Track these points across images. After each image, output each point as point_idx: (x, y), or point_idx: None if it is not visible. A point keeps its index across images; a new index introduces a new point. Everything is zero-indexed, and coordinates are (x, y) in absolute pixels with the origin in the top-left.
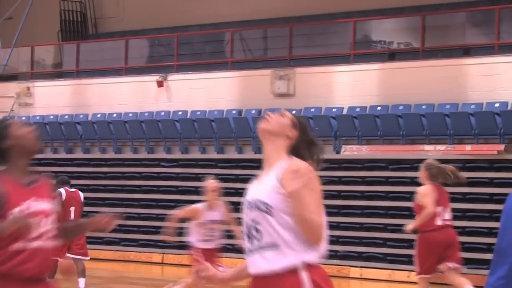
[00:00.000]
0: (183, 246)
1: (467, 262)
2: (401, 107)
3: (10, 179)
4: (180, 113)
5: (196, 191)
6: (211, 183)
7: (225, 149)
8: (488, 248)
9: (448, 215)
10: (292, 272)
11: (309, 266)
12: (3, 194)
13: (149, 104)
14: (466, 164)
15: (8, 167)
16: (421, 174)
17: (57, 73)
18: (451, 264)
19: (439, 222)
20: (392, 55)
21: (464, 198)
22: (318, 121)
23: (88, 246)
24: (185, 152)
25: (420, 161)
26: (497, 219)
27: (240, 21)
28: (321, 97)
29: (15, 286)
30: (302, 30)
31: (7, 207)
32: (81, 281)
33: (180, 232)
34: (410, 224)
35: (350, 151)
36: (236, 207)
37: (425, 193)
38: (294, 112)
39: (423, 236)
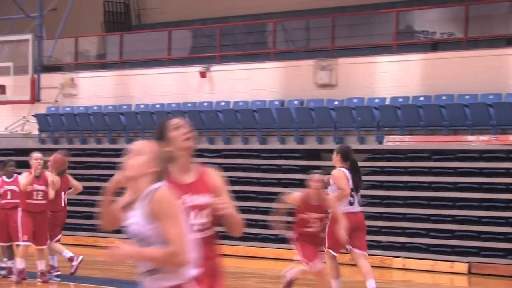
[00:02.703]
0: (225, 236)
1: (511, 253)
2: (444, 98)
3: (172, 176)
4: (222, 103)
5: (239, 181)
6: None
7: (268, 139)
8: None
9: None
10: None
11: None
12: None
13: (192, 95)
14: (509, 155)
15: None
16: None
17: (101, 64)
18: None
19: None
20: (435, 45)
21: (508, 188)
22: (360, 111)
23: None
24: (227, 142)
25: (464, 151)
26: None
27: (283, 11)
28: (364, 88)
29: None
30: (344, 21)
31: None
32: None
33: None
34: None
35: (393, 141)
36: (279, 197)
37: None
38: (336, 102)
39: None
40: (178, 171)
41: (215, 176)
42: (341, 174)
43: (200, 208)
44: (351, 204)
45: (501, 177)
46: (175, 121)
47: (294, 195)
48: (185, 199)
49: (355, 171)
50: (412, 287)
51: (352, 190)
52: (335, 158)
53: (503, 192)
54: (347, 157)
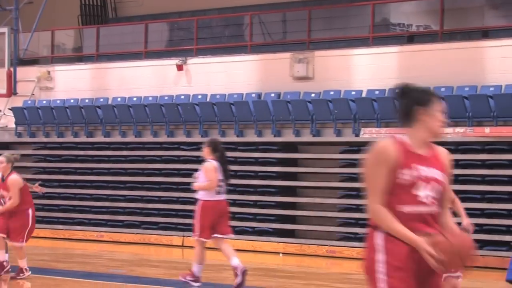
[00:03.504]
0: None
1: (487, 244)
2: None
3: (406, 144)
4: (199, 96)
5: None
6: None
7: (245, 132)
8: (508, 230)
9: None
10: None
11: None
12: (395, 153)
13: (169, 88)
14: (485, 147)
15: (410, 133)
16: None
17: (77, 57)
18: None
19: None
20: (411, 38)
21: (483, 180)
22: (337, 104)
23: (109, 229)
24: (205, 135)
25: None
26: None
27: (259, 4)
28: (340, 80)
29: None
30: (321, 13)
31: (397, 166)
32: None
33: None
34: None
35: (369, 133)
36: (255, 189)
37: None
38: (313, 95)
39: None
40: (416, 144)
41: (446, 156)
42: (211, 166)
43: (429, 180)
44: (219, 193)
45: (476, 169)
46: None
47: None
48: (418, 169)
49: (223, 162)
50: None
51: (221, 180)
52: (205, 151)
53: (478, 184)
54: (216, 149)
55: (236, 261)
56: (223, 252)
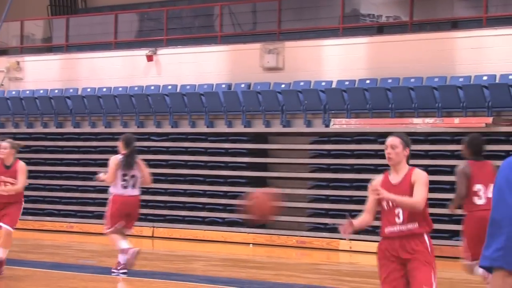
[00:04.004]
0: (172, 220)
1: (456, 234)
2: (389, 81)
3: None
4: (169, 87)
5: (186, 164)
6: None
7: (215, 123)
8: None
9: None
10: None
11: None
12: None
13: (139, 79)
14: (454, 137)
15: None
16: None
17: (47, 47)
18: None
19: None
20: (380, 29)
21: (453, 170)
22: (307, 94)
23: (79, 220)
24: (175, 126)
25: (409, 134)
26: None
27: None
28: (310, 71)
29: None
30: (291, 4)
31: None
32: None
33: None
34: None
35: (339, 124)
36: (225, 180)
37: None
38: (283, 86)
39: None
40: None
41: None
42: (112, 161)
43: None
44: (125, 187)
45: (446, 159)
46: None
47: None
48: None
49: (131, 157)
50: (358, 269)
51: (126, 175)
52: (119, 145)
53: (448, 174)
54: (128, 144)
55: (125, 244)
56: (115, 239)
